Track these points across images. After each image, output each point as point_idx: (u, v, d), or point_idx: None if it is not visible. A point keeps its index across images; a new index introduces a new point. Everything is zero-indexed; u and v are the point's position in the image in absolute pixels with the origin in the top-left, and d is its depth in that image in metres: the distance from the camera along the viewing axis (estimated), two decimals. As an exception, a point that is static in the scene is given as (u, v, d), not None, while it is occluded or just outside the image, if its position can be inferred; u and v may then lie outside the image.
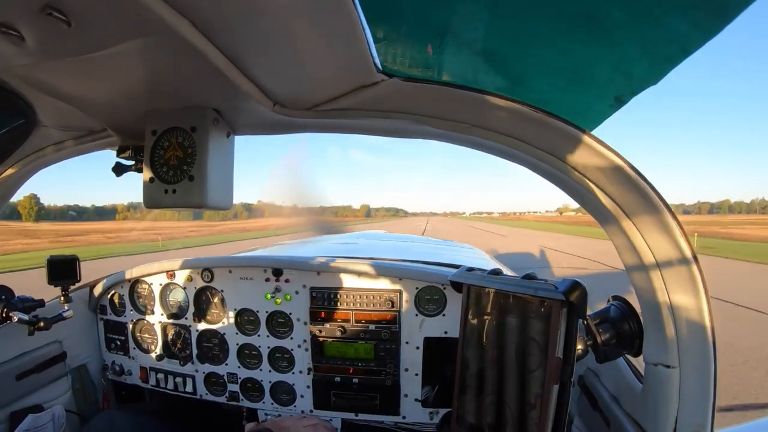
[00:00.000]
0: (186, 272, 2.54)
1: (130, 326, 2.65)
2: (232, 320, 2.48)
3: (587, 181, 1.17)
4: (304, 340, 2.38)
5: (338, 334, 2.31)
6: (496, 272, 1.47)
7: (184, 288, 2.55)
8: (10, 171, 1.67)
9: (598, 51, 0.91)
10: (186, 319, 2.55)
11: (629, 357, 1.48)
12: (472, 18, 0.87)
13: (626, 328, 1.32)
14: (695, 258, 1.13)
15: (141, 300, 2.67)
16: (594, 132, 1.11)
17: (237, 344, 2.48)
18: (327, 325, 2.33)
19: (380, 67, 1.04)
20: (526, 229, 71.43)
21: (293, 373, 2.42)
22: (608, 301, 1.42)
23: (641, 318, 1.30)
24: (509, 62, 1.01)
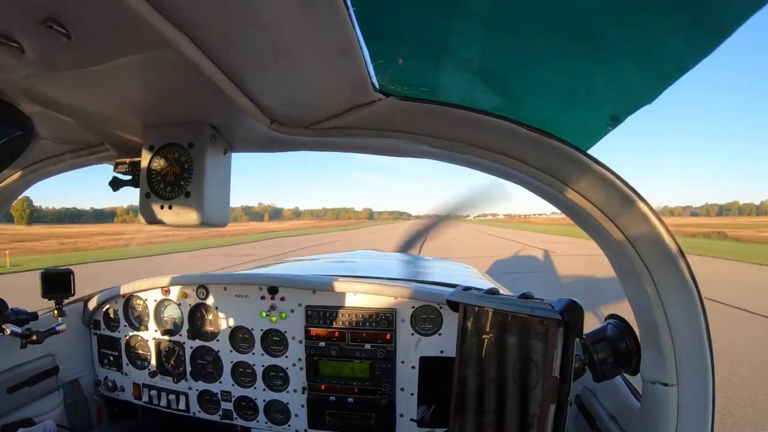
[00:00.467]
0: (181, 288, 2.52)
1: (124, 342, 2.62)
2: (226, 338, 2.46)
3: (585, 201, 1.17)
4: (299, 359, 2.36)
5: (333, 353, 2.29)
6: (492, 292, 1.46)
7: (179, 304, 2.54)
8: (6, 182, 1.67)
9: (593, 69, 0.92)
10: (180, 335, 2.52)
11: (627, 375, 1.47)
12: (468, 38, 0.88)
13: (623, 346, 1.31)
14: (693, 278, 1.13)
15: (135, 315, 2.65)
16: (591, 151, 1.12)
17: (231, 362, 2.46)
18: (322, 344, 2.31)
19: (377, 86, 1.05)
20: (558, 236, 46.71)
21: (288, 391, 2.39)
22: (605, 319, 1.41)
23: (638, 336, 1.29)
24: (505, 81, 1.02)
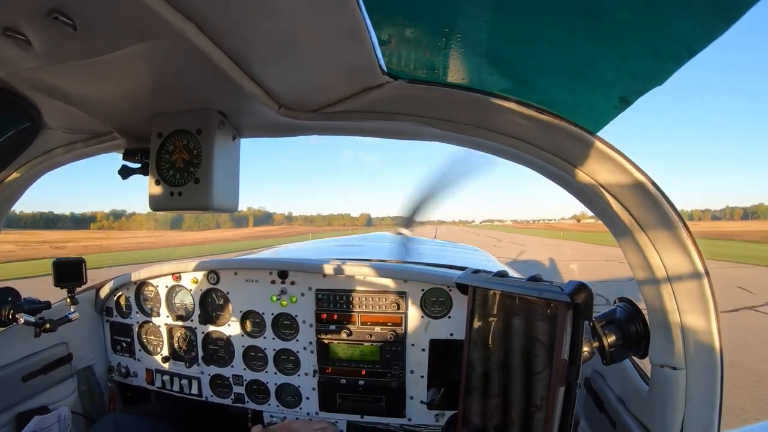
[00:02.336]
0: (192, 274, 2.55)
1: (136, 328, 2.66)
2: (237, 322, 2.49)
3: (594, 182, 1.17)
4: (310, 342, 2.38)
5: (344, 336, 2.31)
6: (501, 274, 1.46)
7: (190, 290, 2.57)
8: (16, 174, 1.68)
9: (602, 51, 0.91)
10: (192, 321, 2.56)
11: (635, 359, 1.48)
12: (477, 19, 0.87)
13: (632, 329, 1.31)
14: (702, 261, 1.12)
15: (147, 302, 2.68)
16: (600, 133, 1.11)
17: (243, 346, 2.49)
18: (333, 327, 2.33)
19: (385, 68, 1.04)
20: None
21: (299, 375, 2.42)
22: (614, 302, 1.41)
23: (647, 320, 1.29)
24: (514, 63, 1.01)
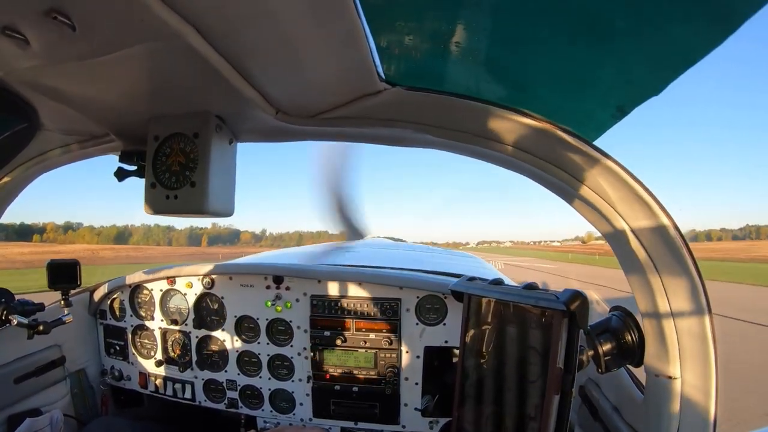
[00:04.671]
0: (187, 279, 2.54)
1: (130, 331, 2.65)
2: (232, 327, 2.48)
3: (590, 191, 1.17)
4: (304, 348, 2.37)
5: (338, 342, 2.31)
6: (497, 282, 1.46)
7: (185, 294, 2.56)
8: (12, 175, 1.68)
9: (600, 60, 0.91)
10: (186, 325, 2.55)
11: (630, 367, 1.47)
12: (475, 27, 0.87)
13: (628, 338, 1.31)
14: (698, 270, 1.12)
15: (141, 306, 2.67)
16: (597, 142, 1.11)
17: (237, 351, 2.48)
18: (327, 333, 2.33)
19: (383, 75, 1.04)
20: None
21: (293, 380, 2.41)
22: (609, 311, 1.41)
23: (642, 328, 1.29)
24: (512, 71, 1.02)
